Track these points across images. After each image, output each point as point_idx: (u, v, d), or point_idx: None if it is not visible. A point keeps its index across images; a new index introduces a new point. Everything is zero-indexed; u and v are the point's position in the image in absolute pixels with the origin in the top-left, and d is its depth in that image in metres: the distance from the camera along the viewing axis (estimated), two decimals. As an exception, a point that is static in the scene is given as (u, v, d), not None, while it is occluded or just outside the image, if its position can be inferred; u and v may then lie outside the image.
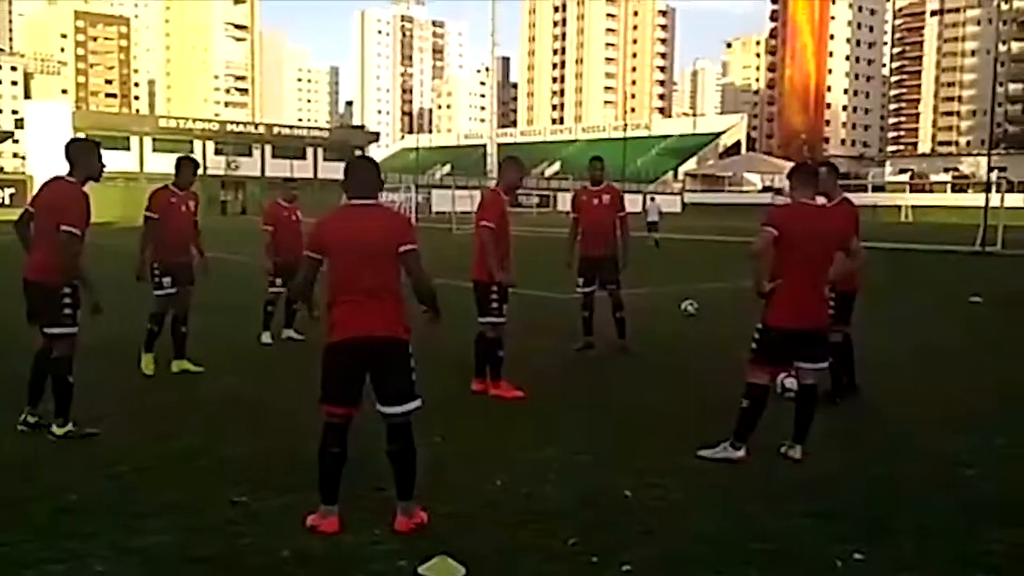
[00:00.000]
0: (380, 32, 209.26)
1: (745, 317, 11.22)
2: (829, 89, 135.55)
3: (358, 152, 74.23)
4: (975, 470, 5.30)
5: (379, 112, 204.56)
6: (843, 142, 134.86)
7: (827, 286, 5.60)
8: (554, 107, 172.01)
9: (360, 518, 4.30)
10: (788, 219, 5.40)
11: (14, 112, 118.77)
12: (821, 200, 6.33)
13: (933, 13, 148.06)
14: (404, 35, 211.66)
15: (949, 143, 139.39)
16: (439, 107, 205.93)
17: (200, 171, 8.38)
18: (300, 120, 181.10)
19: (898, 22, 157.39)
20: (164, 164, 60.91)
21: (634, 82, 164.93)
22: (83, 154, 5.82)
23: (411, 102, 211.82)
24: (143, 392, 7.14)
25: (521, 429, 6.17)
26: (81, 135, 57.59)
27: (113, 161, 56.63)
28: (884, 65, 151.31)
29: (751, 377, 5.42)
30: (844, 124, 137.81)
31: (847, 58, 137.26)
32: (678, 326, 11.18)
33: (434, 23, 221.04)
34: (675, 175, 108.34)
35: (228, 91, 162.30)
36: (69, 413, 5.74)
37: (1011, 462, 5.53)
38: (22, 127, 70.05)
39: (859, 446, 5.85)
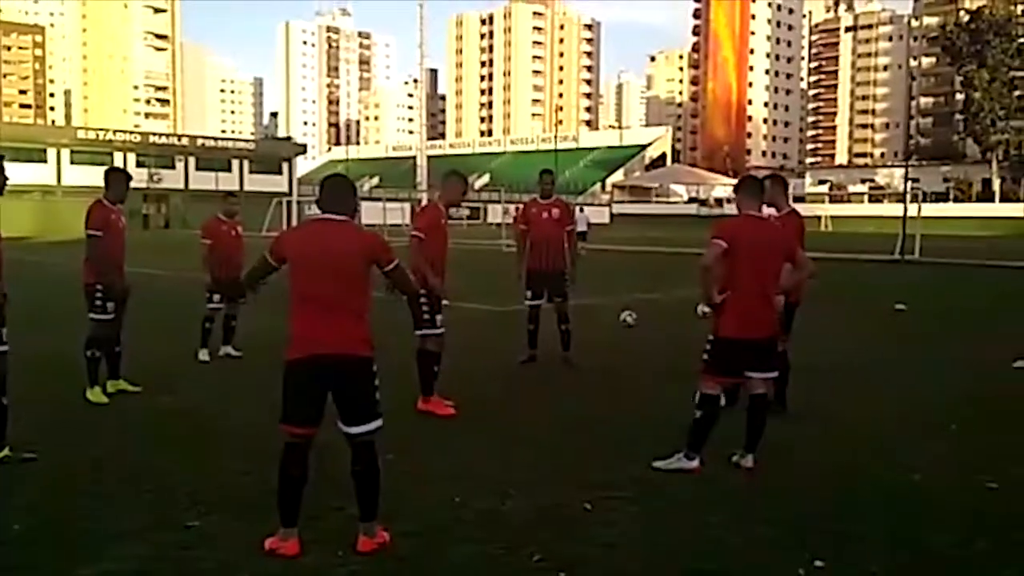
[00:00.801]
0: (305, 43, 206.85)
1: (681, 327, 11.39)
2: (750, 102, 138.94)
3: (285, 163, 73.36)
4: (924, 476, 5.45)
5: (305, 123, 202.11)
6: (764, 154, 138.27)
7: (778, 296, 5.71)
8: (482, 119, 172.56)
9: (320, 538, 4.22)
10: (736, 231, 5.48)
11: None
12: (770, 211, 6.46)
13: (847, 29, 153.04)
14: (330, 46, 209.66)
15: (864, 155, 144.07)
16: (367, 119, 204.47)
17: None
18: (224, 131, 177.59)
19: (815, 38, 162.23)
20: (82, 177, 59.35)
21: (561, 95, 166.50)
22: None
23: (338, 113, 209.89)
24: (80, 414, 6.89)
25: (471, 444, 6.14)
26: (-6, 147, 55.64)
27: (29, 174, 54.28)
28: (802, 79, 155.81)
29: (704, 388, 5.47)
30: (765, 136, 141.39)
31: (767, 72, 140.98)
32: (618, 337, 11.29)
33: (360, 34, 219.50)
34: (603, 186, 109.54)
35: (148, 102, 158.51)
36: (5, 437, 5.50)
37: (958, 467, 5.70)
38: (-70, 138, 67.24)
39: (812, 454, 5.95)
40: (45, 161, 62.08)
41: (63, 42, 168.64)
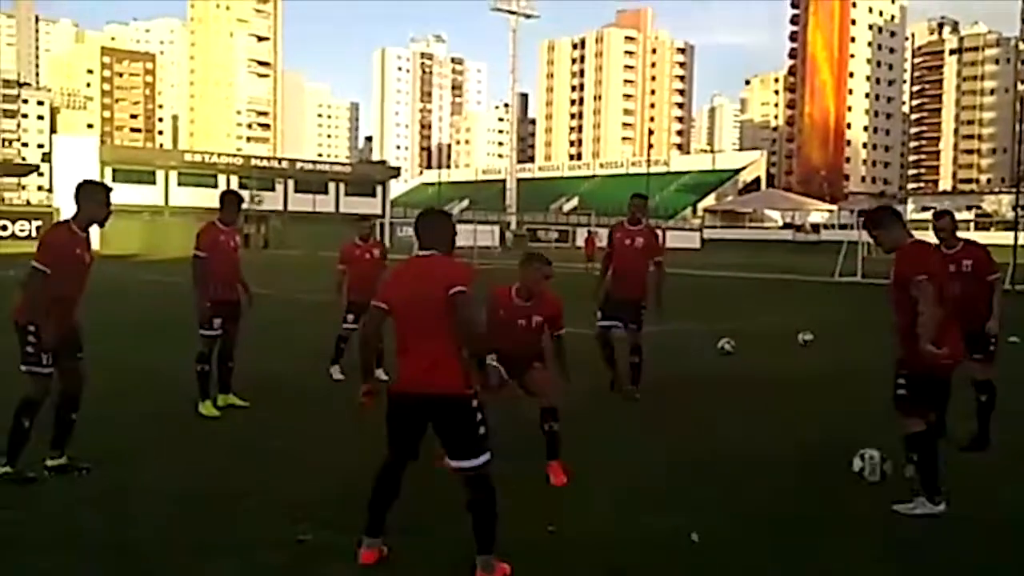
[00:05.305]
0: (400, 69, 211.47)
1: (782, 355, 11.11)
2: (849, 126, 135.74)
3: (379, 186, 74.76)
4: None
5: (398, 147, 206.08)
6: (863, 179, 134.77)
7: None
8: (572, 143, 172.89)
9: (432, 551, 4.23)
10: (929, 260, 5.17)
11: (40, 146, 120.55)
12: None
13: (952, 52, 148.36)
14: (424, 72, 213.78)
15: (969, 181, 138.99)
16: (457, 143, 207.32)
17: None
18: (320, 155, 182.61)
19: (917, 60, 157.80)
20: (188, 198, 61.44)
21: (652, 118, 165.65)
22: (85, 198, 5.56)
23: (430, 137, 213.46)
24: (191, 426, 7.12)
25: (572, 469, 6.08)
26: (108, 169, 58.31)
27: (138, 195, 56.53)
28: (904, 103, 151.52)
29: (909, 428, 5.15)
30: (864, 161, 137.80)
31: (867, 95, 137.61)
32: (715, 365, 11.07)
33: (453, 60, 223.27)
34: (694, 211, 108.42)
35: (250, 126, 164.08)
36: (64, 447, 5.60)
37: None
38: (48, 160, 70.86)
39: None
40: (154, 183, 64.74)
41: (172, 69, 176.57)
